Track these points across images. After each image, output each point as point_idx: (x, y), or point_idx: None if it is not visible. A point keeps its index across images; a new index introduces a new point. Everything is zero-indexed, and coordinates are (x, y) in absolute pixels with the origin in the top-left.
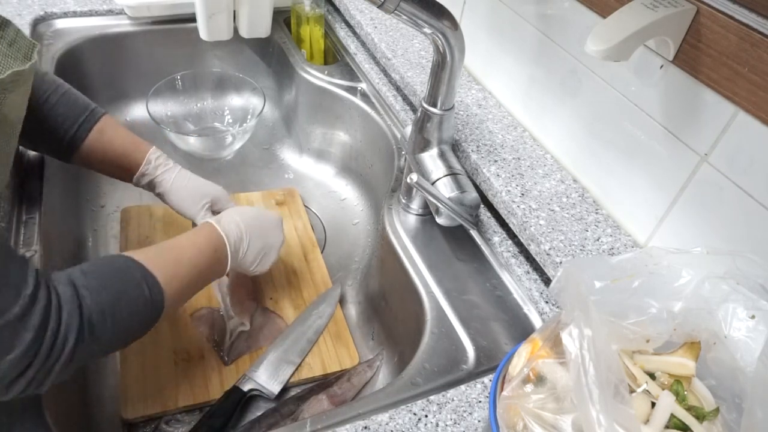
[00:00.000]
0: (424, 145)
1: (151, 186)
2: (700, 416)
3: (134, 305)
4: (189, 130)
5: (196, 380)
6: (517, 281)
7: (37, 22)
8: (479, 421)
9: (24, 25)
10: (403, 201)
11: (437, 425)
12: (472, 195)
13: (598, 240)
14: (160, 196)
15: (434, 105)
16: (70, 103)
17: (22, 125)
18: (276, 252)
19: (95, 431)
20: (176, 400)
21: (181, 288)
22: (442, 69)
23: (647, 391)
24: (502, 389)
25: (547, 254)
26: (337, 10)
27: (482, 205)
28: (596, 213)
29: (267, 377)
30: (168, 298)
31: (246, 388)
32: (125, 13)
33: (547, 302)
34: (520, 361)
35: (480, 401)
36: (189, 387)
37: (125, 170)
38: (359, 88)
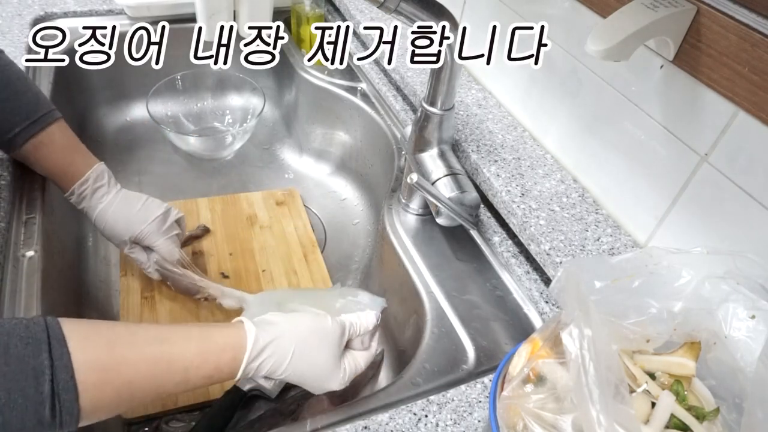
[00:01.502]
0: (424, 145)
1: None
2: (700, 416)
3: (18, 424)
4: (189, 130)
5: None
6: (517, 281)
7: (37, 22)
8: (479, 421)
9: (24, 24)
10: (403, 201)
11: (437, 425)
12: (472, 195)
13: (598, 240)
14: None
15: (434, 105)
16: (11, 107)
17: None
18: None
19: (95, 429)
20: (176, 400)
21: (115, 410)
22: (442, 69)
23: (647, 391)
24: (502, 389)
25: (547, 254)
26: (337, 10)
27: (482, 205)
28: (596, 213)
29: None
30: (84, 421)
31: (246, 387)
32: (125, 13)
33: (547, 302)
34: (520, 361)
35: (480, 401)
36: None
37: (63, 189)
38: (359, 88)
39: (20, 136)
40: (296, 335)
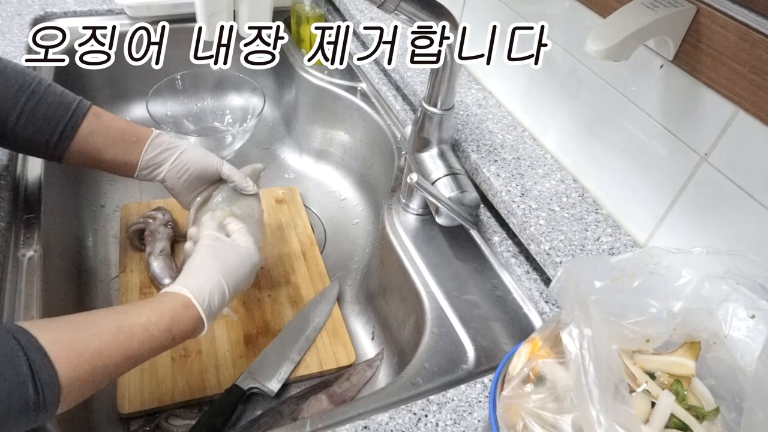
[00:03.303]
0: (424, 145)
1: (156, 169)
2: (700, 416)
3: (5, 408)
4: (189, 130)
5: (192, 376)
6: (517, 281)
7: (37, 22)
8: (479, 421)
9: (24, 24)
10: (403, 201)
11: (437, 425)
12: (472, 195)
13: (598, 240)
14: (162, 179)
15: (434, 105)
16: (58, 93)
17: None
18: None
19: (94, 426)
20: (173, 396)
21: (96, 382)
22: (442, 69)
23: (647, 390)
24: (502, 389)
25: (547, 254)
26: (337, 10)
27: (482, 205)
28: (596, 213)
29: (266, 375)
30: (68, 398)
31: (246, 386)
32: (125, 13)
33: (547, 302)
34: (520, 361)
35: (480, 401)
36: (186, 383)
37: (130, 150)
38: (359, 88)
39: (78, 112)
40: (210, 260)
